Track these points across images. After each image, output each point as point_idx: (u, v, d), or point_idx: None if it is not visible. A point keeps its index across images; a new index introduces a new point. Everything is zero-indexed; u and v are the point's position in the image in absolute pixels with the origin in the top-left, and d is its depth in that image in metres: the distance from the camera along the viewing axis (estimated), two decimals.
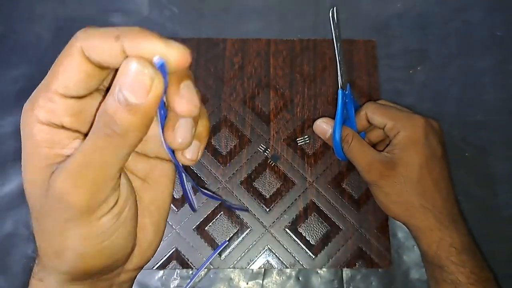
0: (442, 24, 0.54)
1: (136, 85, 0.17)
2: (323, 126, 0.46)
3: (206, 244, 0.45)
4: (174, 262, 0.45)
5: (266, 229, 0.46)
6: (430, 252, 0.41)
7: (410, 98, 0.51)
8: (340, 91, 0.43)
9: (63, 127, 0.20)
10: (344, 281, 0.45)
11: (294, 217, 0.46)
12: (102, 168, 0.19)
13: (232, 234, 0.46)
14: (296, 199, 0.47)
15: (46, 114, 0.20)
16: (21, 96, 0.50)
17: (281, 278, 0.45)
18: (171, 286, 0.44)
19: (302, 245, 0.46)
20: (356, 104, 0.46)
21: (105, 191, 0.20)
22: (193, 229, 0.46)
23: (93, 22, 0.53)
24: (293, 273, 0.45)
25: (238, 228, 0.46)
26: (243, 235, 0.46)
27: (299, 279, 0.45)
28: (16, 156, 0.48)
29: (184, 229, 0.46)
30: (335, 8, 0.41)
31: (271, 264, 0.45)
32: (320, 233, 0.46)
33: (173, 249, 0.45)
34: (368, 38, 0.53)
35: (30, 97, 0.20)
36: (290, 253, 0.45)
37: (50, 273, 0.22)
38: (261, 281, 0.45)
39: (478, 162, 0.49)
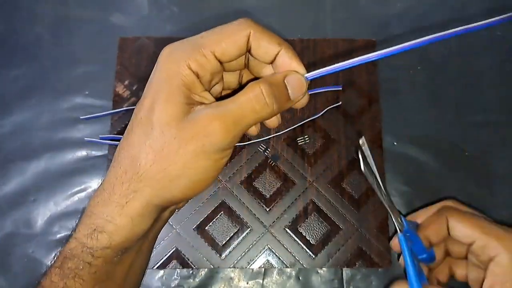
0: (442, 24, 0.54)
1: (300, 87, 0.27)
2: None
3: (206, 244, 0.45)
4: (174, 262, 0.45)
5: (266, 229, 0.46)
6: None
7: (410, 98, 0.51)
8: (400, 236, 0.34)
9: (200, 80, 0.26)
10: (344, 280, 0.45)
11: (294, 216, 0.46)
12: (248, 125, 0.26)
13: (232, 234, 0.46)
14: (296, 198, 0.47)
15: (197, 65, 0.26)
16: (21, 96, 0.50)
17: (281, 277, 0.45)
18: (172, 285, 0.44)
19: (302, 245, 0.46)
20: (421, 245, 0.37)
21: (239, 139, 0.27)
22: (193, 229, 0.46)
23: (93, 22, 0.53)
24: (293, 273, 0.45)
25: (238, 227, 0.46)
26: (243, 235, 0.46)
27: (299, 278, 0.45)
28: (16, 156, 0.48)
29: (184, 228, 0.46)
30: (363, 137, 0.30)
31: (271, 263, 0.45)
32: (320, 232, 0.46)
33: (173, 249, 0.45)
34: (368, 38, 0.53)
35: (177, 48, 0.26)
36: (290, 252, 0.45)
37: (137, 199, 0.26)
38: (261, 281, 0.45)
39: (477, 162, 0.49)
